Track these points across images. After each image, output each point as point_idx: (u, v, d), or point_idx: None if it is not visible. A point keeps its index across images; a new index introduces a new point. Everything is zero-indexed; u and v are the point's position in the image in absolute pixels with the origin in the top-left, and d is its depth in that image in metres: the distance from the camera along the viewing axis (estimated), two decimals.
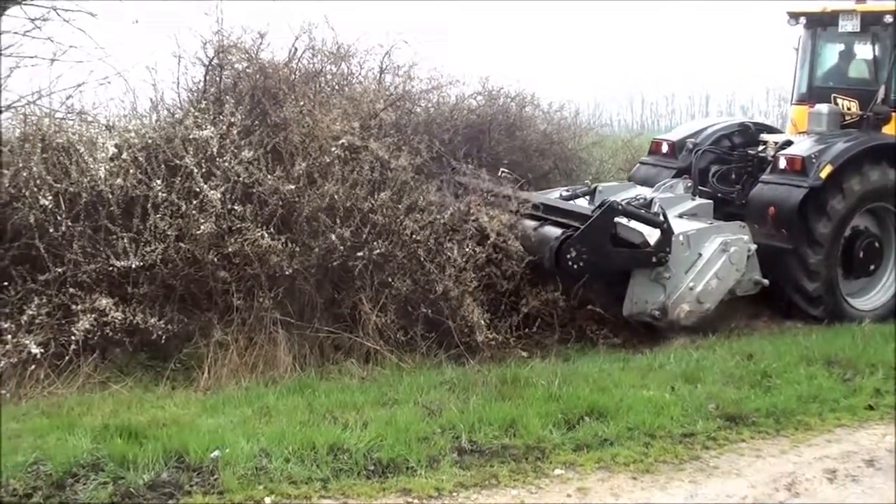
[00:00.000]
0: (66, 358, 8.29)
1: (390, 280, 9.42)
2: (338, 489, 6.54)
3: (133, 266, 8.55)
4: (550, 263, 10.01)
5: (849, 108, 12.69)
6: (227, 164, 9.04)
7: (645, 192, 11.92)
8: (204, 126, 9.23)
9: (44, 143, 9.00)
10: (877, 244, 11.84)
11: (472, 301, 9.56)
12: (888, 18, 12.06)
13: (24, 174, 8.68)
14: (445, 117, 13.88)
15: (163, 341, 8.58)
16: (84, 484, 6.39)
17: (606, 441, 7.40)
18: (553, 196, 11.66)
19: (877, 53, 12.59)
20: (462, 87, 14.36)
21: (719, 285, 10.66)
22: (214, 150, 9.11)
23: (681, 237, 10.49)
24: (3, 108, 11.28)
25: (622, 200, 10.78)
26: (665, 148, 13.29)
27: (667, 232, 10.33)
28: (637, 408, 7.93)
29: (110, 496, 6.30)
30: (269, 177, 9.11)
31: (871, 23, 12.41)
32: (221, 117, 9.37)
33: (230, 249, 8.85)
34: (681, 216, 11.21)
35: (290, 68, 10.46)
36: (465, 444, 7.22)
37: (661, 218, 10.40)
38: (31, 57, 11.97)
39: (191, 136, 9.18)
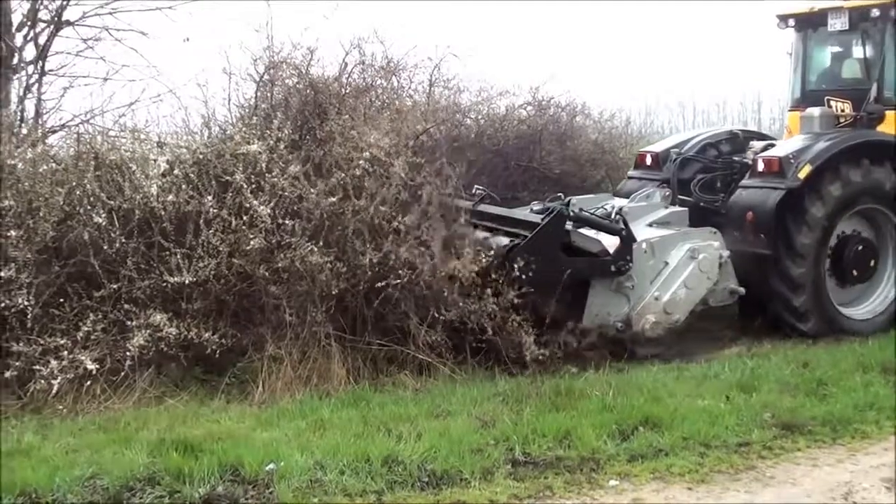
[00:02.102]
0: (122, 373, 8.36)
1: (429, 307, 9.29)
2: (392, 501, 6.55)
3: (186, 282, 8.60)
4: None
5: (842, 110, 12.32)
6: (274, 179, 9.08)
7: (621, 203, 11.37)
8: (251, 141, 9.28)
9: (97, 160, 9.08)
10: (870, 249, 11.36)
11: (516, 318, 9.37)
12: (875, 13, 11.69)
13: (78, 192, 8.76)
14: (496, 128, 13.94)
15: (217, 356, 8.62)
16: (140, 498, 6.46)
17: (661, 451, 7.36)
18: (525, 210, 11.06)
19: (867, 51, 12.22)
20: (512, 98, 14.42)
21: (689, 295, 10.27)
22: (263, 165, 9.14)
23: (644, 245, 10.13)
24: (56, 128, 11.46)
25: (583, 209, 10.38)
26: (649, 160, 12.80)
27: (626, 239, 9.95)
28: (692, 417, 7.88)
29: None
30: (311, 191, 9.13)
31: (859, 19, 12.04)
32: (269, 132, 9.40)
33: (280, 265, 8.88)
34: (651, 225, 10.83)
35: (340, 83, 10.49)
36: (519, 456, 7.20)
37: (620, 225, 10.03)
38: (84, 76, 12.18)
39: (238, 152, 9.22)
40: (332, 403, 8.42)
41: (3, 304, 8.25)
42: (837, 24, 12.27)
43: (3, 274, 8.29)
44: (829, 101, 12.48)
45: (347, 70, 10.87)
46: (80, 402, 8.18)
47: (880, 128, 11.87)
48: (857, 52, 12.51)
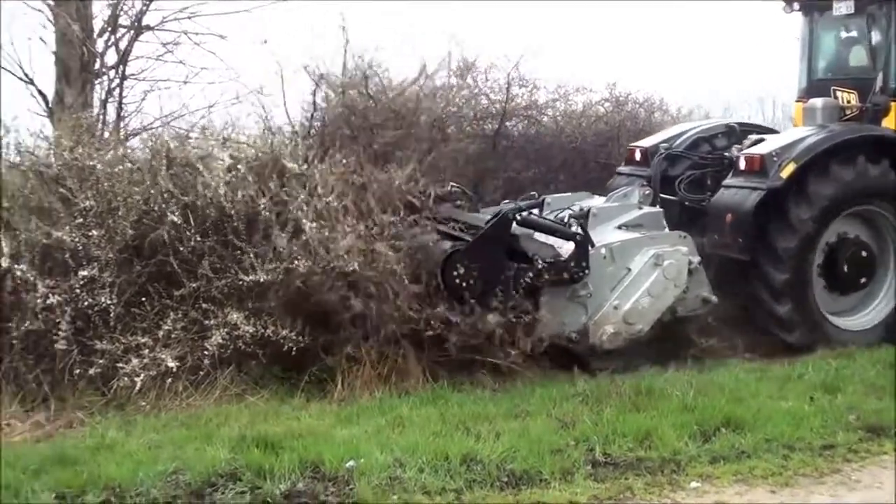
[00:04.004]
0: (203, 371, 8.43)
1: None
2: (471, 500, 6.53)
3: (261, 280, 8.63)
4: (439, 282, 9.14)
5: (849, 101, 11.52)
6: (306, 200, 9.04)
7: (597, 202, 10.73)
8: (285, 157, 9.30)
9: (168, 158, 9.16)
10: (868, 255, 10.62)
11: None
12: None
13: (153, 190, 8.84)
14: (574, 126, 13.95)
15: (294, 354, 8.62)
16: (222, 493, 6.51)
17: (743, 453, 7.26)
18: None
19: (873, 37, 11.29)
20: (589, 95, 14.42)
21: (653, 304, 9.56)
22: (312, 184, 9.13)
23: (603, 250, 9.45)
24: (137, 131, 11.64)
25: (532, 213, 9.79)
26: (638, 155, 12.02)
27: (582, 244, 9.31)
28: (775, 419, 7.77)
29: None
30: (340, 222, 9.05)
31: (866, 2, 11.26)
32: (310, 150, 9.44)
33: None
34: (622, 227, 10.05)
35: (418, 85, 10.47)
36: (599, 457, 7.15)
37: (575, 229, 9.42)
38: (164, 80, 12.36)
39: (283, 164, 9.25)
40: (411, 401, 8.43)
41: (86, 303, 8.34)
42: (843, 7, 11.52)
43: (86, 273, 8.39)
44: (835, 91, 11.74)
45: (424, 71, 10.85)
46: (163, 398, 8.27)
47: (885, 121, 11.06)
48: (864, 38, 11.57)
